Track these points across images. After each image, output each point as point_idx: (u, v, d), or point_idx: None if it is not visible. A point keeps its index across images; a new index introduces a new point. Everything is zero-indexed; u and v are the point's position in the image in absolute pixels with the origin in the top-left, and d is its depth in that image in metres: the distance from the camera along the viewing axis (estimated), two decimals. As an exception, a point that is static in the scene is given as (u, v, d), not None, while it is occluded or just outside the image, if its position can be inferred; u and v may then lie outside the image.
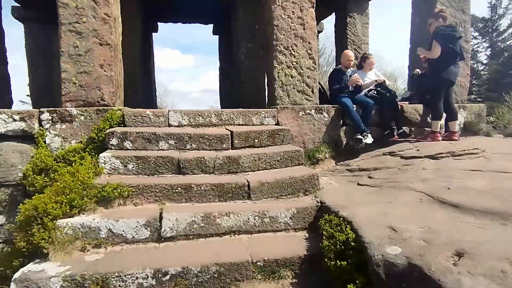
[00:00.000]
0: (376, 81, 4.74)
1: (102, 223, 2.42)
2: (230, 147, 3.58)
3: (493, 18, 21.17)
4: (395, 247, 1.78)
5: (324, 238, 2.32)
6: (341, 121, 4.44)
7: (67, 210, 2.41)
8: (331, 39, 18.69)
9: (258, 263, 2.29)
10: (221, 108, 9.45)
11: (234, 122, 3.99)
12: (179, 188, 2.85)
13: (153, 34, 9.72)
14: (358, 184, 3.31)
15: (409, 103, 4.80)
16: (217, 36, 9.93)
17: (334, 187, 3.35)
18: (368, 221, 2.22)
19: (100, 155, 3.09)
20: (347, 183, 3.45)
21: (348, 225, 2.24)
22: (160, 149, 3.42)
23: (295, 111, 4.27)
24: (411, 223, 2.09)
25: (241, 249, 2.45)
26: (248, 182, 3.00)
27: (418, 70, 4.78)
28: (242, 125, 4.03)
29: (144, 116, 3.72)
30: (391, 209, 2.42)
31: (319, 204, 2.87)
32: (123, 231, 2.44)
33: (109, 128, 3.50)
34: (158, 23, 9.62)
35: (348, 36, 7.38)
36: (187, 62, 50.53)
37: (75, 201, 2.47)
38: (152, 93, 8.66)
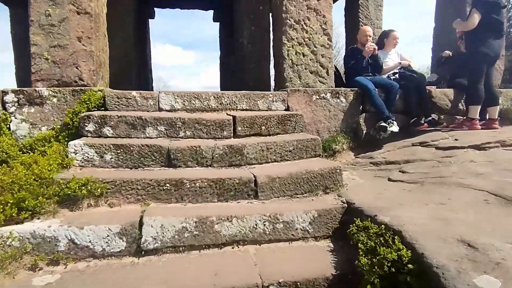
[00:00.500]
0: (400, 63, 4.07)
1: (60, 232, 1.77)
2: (232, 135, 2.93)
3: None
4: (489, 278, 1.14)
5: (361, 253, 1.67)
6: (361, 107, 3.78)
7: (14, 214, 1.77)
8: (336, 31, 17.87)
9: (271, 288, 1.65)
10: None
11: (236, 107, 3.33)
12: (167, 185, 2.21)
13: (150, 20, 9.03)
14: (390, 179, 2.66)
15: (436, 88, 4.14)
16: (218, 24, 9.24)
17: (359, 183, 2.70)
18: (424, 231, 1.57)
19: (70, 143, 2.44)
20: (374, 179, 2.79)
21: (396, 236, 1.59)
22: (148, 137, 2.77)
23: (308, 95, 3.60)
24: (492, 235, 1.45)
25: (248, 266, 1.80)
26: (255, 177, 2.35)
27: (448, 51, 4.11)
28: (246, 110, 3.37)
29: (129, 98, 3.06)
30: (449, 213, 1.77)
31: (345, 204, 2.22)
32: (90, 242, 1.80)
33: (86, 112, 2.85)
34: (155, 9, 8.94)
35: (360, 19, 6.68)
36: (188, 59, 49.72)
37: (26, 202, 1.82)
38: (148, 83, 7.99)
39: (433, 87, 4.09)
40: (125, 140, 2.64)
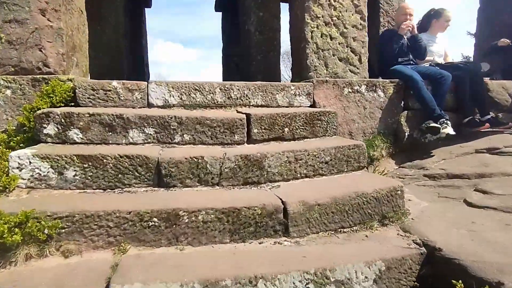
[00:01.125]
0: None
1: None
2: (245, 139, 2.15)
3: None
4: None
5: None
6: (402, 103, 3.00)
7: None
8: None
9: None
10: None
11: (249, 102, 2.55)
12: (155, 219, 1.43)
13: (146, 9, 8.20)
14: (469, 204, 1.88)
15: (489, 80, 3.36)
16: (220, 14, 8.40)
17: (422, 208, 1.92)
18: None
19: (12, 154, 1.64)
20: (440, 201, 2.02)
21: None
22: (131, 143, 1.98)
23: (338, 88, 2.81)
24: None
25: None
26: (283, 203, 1.58)
27: (506, 39, 3.35)
28: (261, 106, 2.58)
29: (109, 90, 2.27)
30: None
31: (423, 248, 1.45)
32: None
33: (48, 108, 2.06)
34: (152, -3, 8.10)
35: (380, 5, 5.88)
36: (190, 56, 48.71)
37: None
38: (144, 78, 7.17)
39: (486, 78, 3.32)
40: (98, 148, 1.85)
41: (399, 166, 2.70)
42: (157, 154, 1.77)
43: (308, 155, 1.98)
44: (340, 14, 2.96)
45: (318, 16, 2.91)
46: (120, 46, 4.92)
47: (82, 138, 1.94)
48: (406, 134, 2.91)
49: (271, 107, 2.60)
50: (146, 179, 1.73)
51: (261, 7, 5.24)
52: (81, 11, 2.83)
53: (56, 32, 2.38)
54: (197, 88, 2.41)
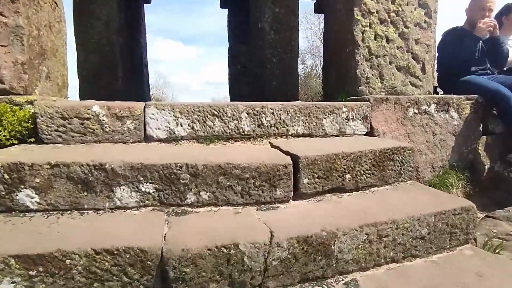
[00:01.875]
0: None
1: None
2: (291, 194, 1.41)
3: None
4: None
5: None
6: (481, 126, 2.26)
7: None
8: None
9: None
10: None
11: (287, 131, 1.80)
12: None
13: (145, 5, 7.39)
14: None
15: None
16: (226, 11, 7.61)
17: None
18: None
19: None
20: None
21: None
22: (119, 207, 1.24)
23: (401, 108, 2.07)
24: None
25: None
26: None
27: None
28: (303, 135, 1.84)
29: (87, 119, 1.51)
30: None
31: None
32: None
33: (-9, 151, 1.32)
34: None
35: None
36: (190, 54, 47.59)
37: None
38: (143, 80, 6.40)
39: None
40: (63, 226, 1.11)
41: (486, 215, 1.97)
42: (159, 242, 1.03)
43: (397, 229, 1.24)
44: (400, 9, 2.21)
45: (372, 11, 2.16)
46: (112, 44, 4.14)
47: (39, 204, 1.19)
48: (486, 167, 2.18)
49: (316, 136, 1.86)
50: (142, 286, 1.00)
51: (276, 1, 4.48)
52: (55, 2, 2.06)
53: (13, 31, 1.63)
54: (215, 112, 1.67)
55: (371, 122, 1.97)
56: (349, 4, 2.20)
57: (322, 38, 7.78)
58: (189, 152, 1.46)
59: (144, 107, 1.59)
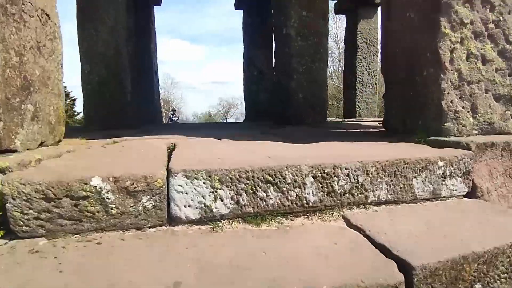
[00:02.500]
0: None
1: None
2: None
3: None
4: None
5: None
6: None
7: None
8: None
9: None
10: (246, 116, 6.66)
11: (366, 198, 1.26)
12: None
13: (155, 7, 6.85)
14: None
15: None
16: (241, 12, 7.05)
17: None
18: None
19: None
20: None
21: None
22: None
23: (510, 154, 1.52)
24: None
25: None
26: None
27: None
28: (386, 202, 1.29)
29: (84, 198, 0.99)
30: None
31: None
32: None
33: None
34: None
35: None
36: (197, 53, 47.05)
37: None
38: (153, 90, 5.91)
39: None
40: None
41: None
42: None
43: None
44: (501, 18, 1.65)
45: (465, 21, 1.60)
46: (120, 53, 3.63)
47: None
48: None
49: (403, 202, 1.31)
50: None
51: (303, 3, 3.93)
52: (47, 15, 1.55)
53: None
54: (270, 178, 1.13)
55: (473, 179, 1.42)
56: (431, 12, 1.64)
57: (344, 41, 7.15)
58: (233, 254, 0.93)
59: (168, 177, 1.06)
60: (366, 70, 6.77)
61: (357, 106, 6.77)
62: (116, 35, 3.53)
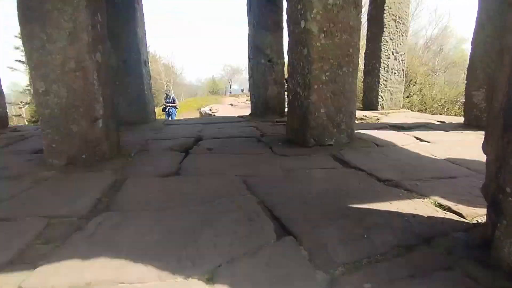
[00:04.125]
0: None
1: None
2: None
3: None
4: None
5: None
6: None
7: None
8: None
9: None
10: (252, 110, 5.56)
11: None
12: None
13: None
14: None
15: None
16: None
17: None
18: None
19: None
20: None
21: None
22: None
23: None
24: None
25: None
26: None
27: None
28: None
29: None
30: None
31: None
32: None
33: None
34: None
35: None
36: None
37: None
38: (142, 86, 4.92)
39: None
40: None
41: None
42: None
43: None
44: None
45: None
46: (84, 67, 2.65)
47: None
48: None
49: None
50: None
51: (329, -12, 2.82)
52: None
53: None
54: None
55: None
56: None
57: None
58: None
59: None
60: (392, 53, 5.61)
61: (379, 97, 5.72)
62: (76, 41, 2.54)
